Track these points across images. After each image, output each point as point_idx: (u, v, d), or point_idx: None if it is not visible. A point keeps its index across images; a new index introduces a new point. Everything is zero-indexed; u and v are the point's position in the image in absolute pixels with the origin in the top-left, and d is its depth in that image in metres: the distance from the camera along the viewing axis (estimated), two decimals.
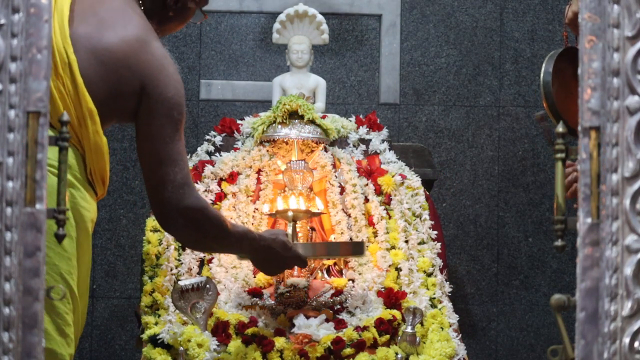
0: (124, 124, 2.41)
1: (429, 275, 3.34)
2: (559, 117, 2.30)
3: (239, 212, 3.42)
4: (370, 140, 3.66)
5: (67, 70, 2.19)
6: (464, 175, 4.64)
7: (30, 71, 1.49)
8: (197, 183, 3.46)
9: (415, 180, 3.52)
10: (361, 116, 3.74)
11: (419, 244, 3.40)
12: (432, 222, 3.45)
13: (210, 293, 3.12)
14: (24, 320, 1.46)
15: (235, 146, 3.61)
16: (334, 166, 3.52)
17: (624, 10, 1.47)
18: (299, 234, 3.34)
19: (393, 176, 3.51)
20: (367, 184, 3.51)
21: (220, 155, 3.57)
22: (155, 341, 3.07)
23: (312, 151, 3.52)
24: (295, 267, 2.97)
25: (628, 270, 1.45)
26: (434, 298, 3.30)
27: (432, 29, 4.67)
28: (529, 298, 4.61)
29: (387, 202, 3.48)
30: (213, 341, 3.05)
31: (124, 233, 4.54)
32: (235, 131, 3.64)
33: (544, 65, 2.36)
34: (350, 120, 3.70)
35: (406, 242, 3.39)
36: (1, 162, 1.47)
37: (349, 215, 3.45)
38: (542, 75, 2.34)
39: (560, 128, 1.56)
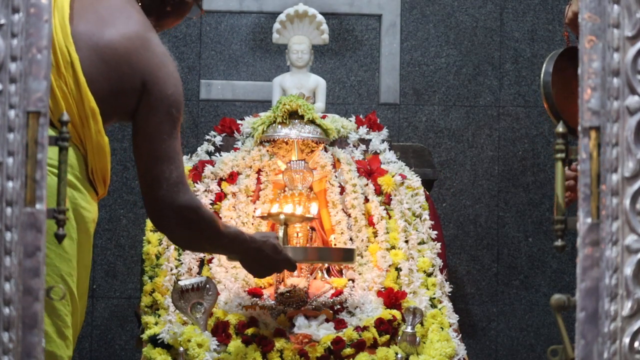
0: (123, 122, 2.40)
1: (429, 275, 3.34)
2: (559, 118, 2.30)
3: (239, 212, 3.42)
4: (370, 140, 3.66)
5: (70, 69, 2.18)
6: (464, 175, 4.64)
7: (30, 71, 1.49)
8: (197, 183, 3.46)
9: (415, 180, 3.52)
10: (361, 116, 3.74)
11: (419, 244, 3.40)
12: (432, 222, 3.45)
13: (210, 293, 3.12)
14: (24, 320, 1.46)
15: (235, 146, 3.61)
16: (334, 166, 3.52)
17: (624, 10, 1.47)
18: (299, 234, 3.34)
19: (393, 176, 3.51)
20: (367, 184, 3.51)
21: (220, 155, 3.57)
22: (155, 341, 3.07)
23: (312, 151, 3.51)
24: (288, 271, 2.97)
25: (628, 270, 1.45)
26: (434, 298, 3.30)
27: (432, 29, 4.67)
28: (529, 298, 4.61)
29: (387, 202, 3.48)
30: (213, 341, 3.05)
31: (124, 233, 4.54)
32: (235, 131, 3.64)
33: (544, 65, 2.36)
34: (350, 120, 3.70)
35: (406, 242, 3.39)
36: (1, 162, 1.47)
37: (349, 215, 3.45)
38: (542, 75, 2.34)
39: (560, 128, 1.56)
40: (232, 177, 3.49)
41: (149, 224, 3.38)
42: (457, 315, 3.30)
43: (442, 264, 3.39)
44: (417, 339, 3.12)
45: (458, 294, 4.19)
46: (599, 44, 1.48)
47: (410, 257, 3.35)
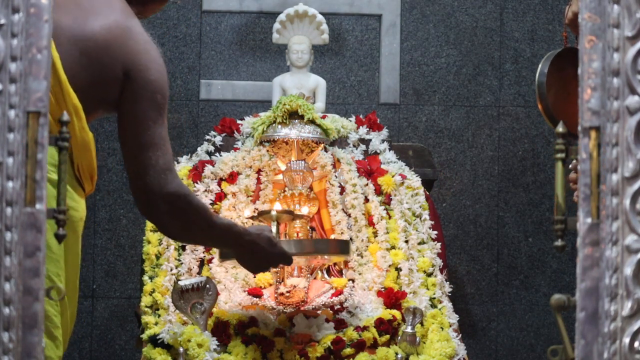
0: (110, 113, 2.36)
1: (429, 275, 3.35)
2: (553, 118, 2.30)
3: (239, 212, 3.42)
4: (370, 140, 3.66)
5: (52, 68, 2.16)
6: (464, 175, 4.64)
7: (30, 71, 1.49)
8: (197, 183, 3.46)
9: (415, 180, 3.52)
10: (361, 116, 3.74)
11: (419, 244, 3.40)
12: (432, 222, 3.45)
13: (210, 293, 3.12)
14: (24, 320, 1.46)
15: (235, 146, 3.61)
16: (334, 166, 3.52)
17: (624, 10, 1.47)
18: (299, 234, 3.34)
19: (393, 176, 3.51)
20: (367, 184, 3.51)
21: (220, 155, 3.57)
22: (155, 341, 3.07)
23: (312, 151, 3.52)
24: (284, 265, 2.86)
25: (628, 270, 1.45)
26: (434, 298, 3.30)
27: (432, 29, 4.67)
28: (529, 298, 4.61)
29: (387, 202, 3.48)
30: (213, 341, 3.05)
31: (124, 233, 4.54)
32: (235, 131, 3.64)
33: (539, 66, 2.36)
34: (350, 120, 3.70)
35: (406, 242, 3.39)
36: (1, 162, 1.47)
37: (349, 215, 3.45)
38: (537, 76, 2.34)
39: (560, 128, 1.56)
40: (232, 177, 3.49)
41: (149, 224, 3.38)
42: (457, 315, 3.30)
43: (442, 264, 3.39)
44: (417, 339, 3.12)
45: (458, 294, 4.19)
46: (599, 44, 1.48)
47: (410, 257, 3.35)
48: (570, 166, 2.31)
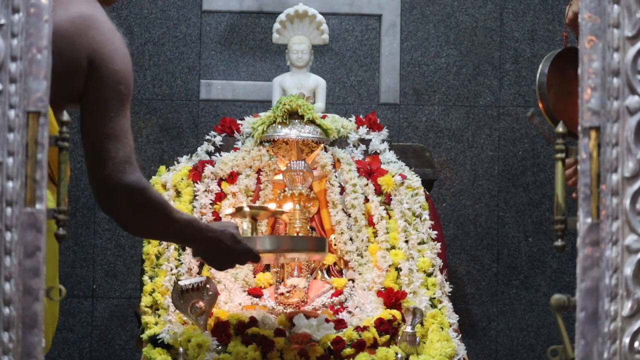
0: (76, 107, 2.32)
1: (429, 275, 3.34)
2: (553, 119, 2.30)
3: None
4: (370, 140, 3.66)
5: None
6: (464, 175, 4.64)
7: (30, 71, 1.49)
8: (197, 183, 3.46)
9: (415, 180, 3.52)
10: (361, 116, 3.74)
11: (419, 244, 3.40)
12: (432, 222, 3.45)
13: (210, 293, 3.11)
14: (24, 320, 1.46)
15: (235, 146, 3.61)
16: (334, 166, 3.52)
17: (624, 10, 1.47)
18: (300, 234, 3.34)
19: (393, 176, 3.51)
20: (367, 184, 3.51)
21: (220, 155, 3.57)
22: (155, 341, 3.07)
23: (312, 151, 3.52)
24: (251, 262, 2.79)
25: (628, 270, 1.45)
26: (434, 298, 3.30)
27: (432, 29, 4.67)
28: (529, 298, 4.61)
29: (387, 202, 3.48)
30: (213, 341, 3.05)
31: (124, 233, 4.54)
32: (235, 131, 3.64)
33: (540, 66, 2.36)
34: (350, 120, 3.70)
35: (406, 242, 3.39)
36: (1, 162, 1.47)
37: (349, 215, 3.45)
38: (537, 76, 2.34)
39: (560, 128, 1.56)
40: (232, 177, 3.49)
41: None
42: (457, 315, 3.30)
43: (442, 264, 3.39)
44: (417, 339, 3.12)
45: (458, 294, 4.19)
46: (599, 44, 1.48)
47: (410, 257, 3.35)
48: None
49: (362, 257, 3.38)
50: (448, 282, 3.37)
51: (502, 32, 4.68)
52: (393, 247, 3.37)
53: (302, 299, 3.22)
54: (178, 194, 3.45)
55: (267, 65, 4.62)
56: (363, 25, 4.67)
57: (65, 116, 1.57)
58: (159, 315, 3.20)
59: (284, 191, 3.44)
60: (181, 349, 3.01)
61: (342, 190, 3.49)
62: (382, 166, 3.57)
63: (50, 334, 2.24)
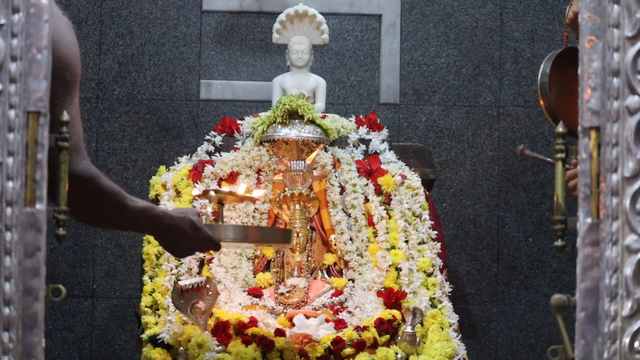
0: None
1: (429, 275, 3.34)
2: (555, 119, 2.30)
3: (239, 212, 3.42)
4: (370, 140, 3.66)
5: None
6: (464, 175, 4.64)
7: (30, 71, 1.49)
8: (197, 183, 3.46)
9: (415, 180, 3.52)
10: (361, 116, 3.74)
11: (419, 244, 3.40)
12: (432, 222, 3.45)
13: (210, 293, 3.11)
14: (24, 320, 1.46)
15: (235, 146, 3.61)
16: (334, 166, 3.52)
17: (624, 10, 1.47)
18: (300, 235, 3.34)
19: (393, 176, 3.51)
20: (367, 184, 3.51)
21: (220, 155, 3.57)
22: (155, 341, 3.07)
23: (312, 151, 3.52)
24: (212, 250, 2.71)
25: (628, 270, 1.45)
26: (434, 298, 3.30)
27: (432, 29, 4.67)
28: (529, 298, 4.61)
29: (387, 202, 3.48)
30: (213, 341, 3.05)
31: (124, 233, 4.54)
32: (235, 131, 3.64)
33: (541, 66, 2.37)
34: (350, 120, 3.70)
35: (406, 242, 3.39)
36: (1, 162, 1.47)
37: (349, 215, 3.45)
38: (539, 76, 2.35)
39: (560, 128, 1.56)
40: (232, 177, 3.49)
41: None
42: (457, 315, 3.30)
43: (442, 264, 3.39)
44: (417, 339, 3.12)
45: (458, 294, 4.19)
46: (599, 44, 1.48)
47: (410, 257, 3.35)
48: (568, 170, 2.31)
49: (362, 257, 3.38)
50: (448, 282, 3.37)
51: (502, 32, 4.68)
52: (393, 247, 3.37)
53: (302, 299, 3.22)
54: (178, 194, 3.45)
55: (267, 65, 4.61)
56: (363, 25, 4.67)
57: (65, 116, 1.56)
58: (159, 315, 3.20)
59: (284, 191, 3.44)
60: (181, 349, 3.01)
61: (342, 190, 3.49)
62: (382, 166, 3.57)
63: None
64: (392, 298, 3.22)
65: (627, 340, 1.44)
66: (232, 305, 3.21)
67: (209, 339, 3.03)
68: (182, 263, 3.32)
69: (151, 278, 3.30)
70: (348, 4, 4.64)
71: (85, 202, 2.19)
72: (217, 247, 2.61)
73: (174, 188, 3.45)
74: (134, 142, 4.53)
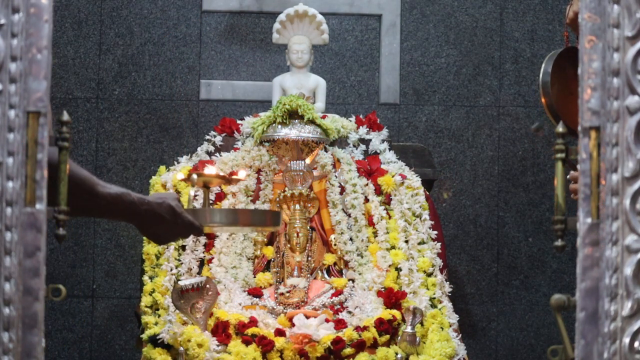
0: None
1: (429, 275, 3.35)
2: (557, 118, 2.30)
3: None
4: (370, 140, 3.66)
5: None
6: (464, 175, 4.64)
7: (30, 71, 1.49)
8: None
9: (415, 180, 3.52)
10: (361, 116, 3.74)
11: (419, 244, 3.40)
12: (432, 222, 3.45)
13: (210, 293, 3.12)
14: (24, 320, 1.46)
15: (235, 146, 3.61)
16: (334, 166, 3.52)
17: (624, 10, 1.47)
18: (300, 234, 3.34)
19: (393, 176, 3.51)
20: (367, 184, 3.51)
21: (220, 155, 3.57)
22: (155, 341, 3.07)
23: (312, 151, 3.52)
24: (194, 235, 2.54)
25: (628, 270, 1.45)
26: (434, 298, 3.30)
27: (432, 29, 4.67)
28: (529, 298, 4.61)
29: (387, 202, 3.48)
30: (213, 341, 3.05)
31: (124, 233, 4.54)
32: (235, 131, 3.65)
33: (543, 65, 2.36)
34: (350, 120, 3.70)
35: (406, 242, 3.39)
36: (1, 162, 1.47)
37: (349, 215, 3.45)
38: (541, 75, 2.34)
39: (560, 128, 1.56)
40: None
41: None
42: (457, 315, 3.30)
43: (442, 264, 3.39)
44: (417, 339, 3.12)
45: (458, 294, 4.19)
46: (599, 44, 1.48)
47: (410, 257, 3.35)
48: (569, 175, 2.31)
49: (362, 257, 3.38)
50: (448, 282, 3.37)
51: (502, 32, 4.68)
52: (393, 247, 3.37)
53: (302, 299, 3.22)
54: (178, 194, 3.45)
55: (267, 65, 4.61)
56: (363, 25, 4.67)
57: (65, 116, 1.56)
58: (159, 315, 3.20)
59: (284, 191, 3.44)
60: (181, 349, 3.01)
61: (342, 190, 3.49)
62: (382, 166, 3.57)
63: None
64: (392, 298, 3.22)
65: (627, 340, 1.44)
66: (232, 305, 3.21)
67: (209, 339, 3.03)
68: (182, 263, 3.32)
69: (151, 278, 3.30)
70: (348, 4, 4.64)
71: (52, 189, 2.17)
72: (199, 232, 2.47)
73: (173, 188, 3.45)
74: (134, 142, 4.53)
